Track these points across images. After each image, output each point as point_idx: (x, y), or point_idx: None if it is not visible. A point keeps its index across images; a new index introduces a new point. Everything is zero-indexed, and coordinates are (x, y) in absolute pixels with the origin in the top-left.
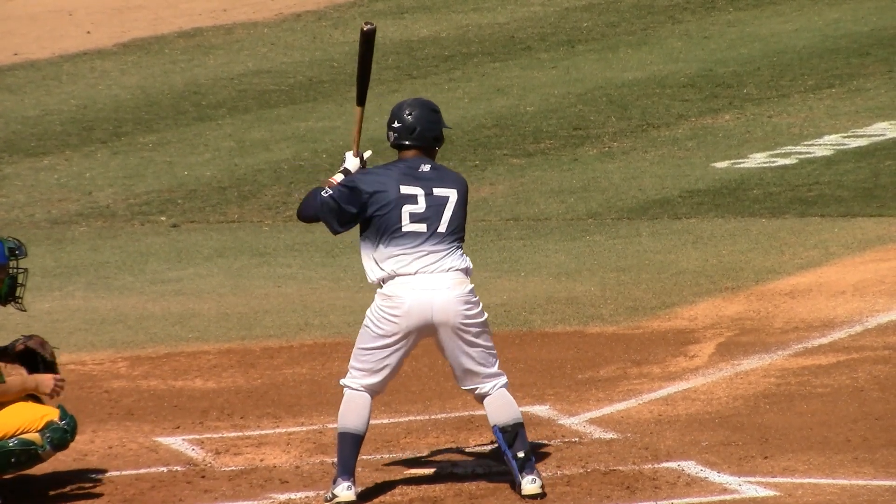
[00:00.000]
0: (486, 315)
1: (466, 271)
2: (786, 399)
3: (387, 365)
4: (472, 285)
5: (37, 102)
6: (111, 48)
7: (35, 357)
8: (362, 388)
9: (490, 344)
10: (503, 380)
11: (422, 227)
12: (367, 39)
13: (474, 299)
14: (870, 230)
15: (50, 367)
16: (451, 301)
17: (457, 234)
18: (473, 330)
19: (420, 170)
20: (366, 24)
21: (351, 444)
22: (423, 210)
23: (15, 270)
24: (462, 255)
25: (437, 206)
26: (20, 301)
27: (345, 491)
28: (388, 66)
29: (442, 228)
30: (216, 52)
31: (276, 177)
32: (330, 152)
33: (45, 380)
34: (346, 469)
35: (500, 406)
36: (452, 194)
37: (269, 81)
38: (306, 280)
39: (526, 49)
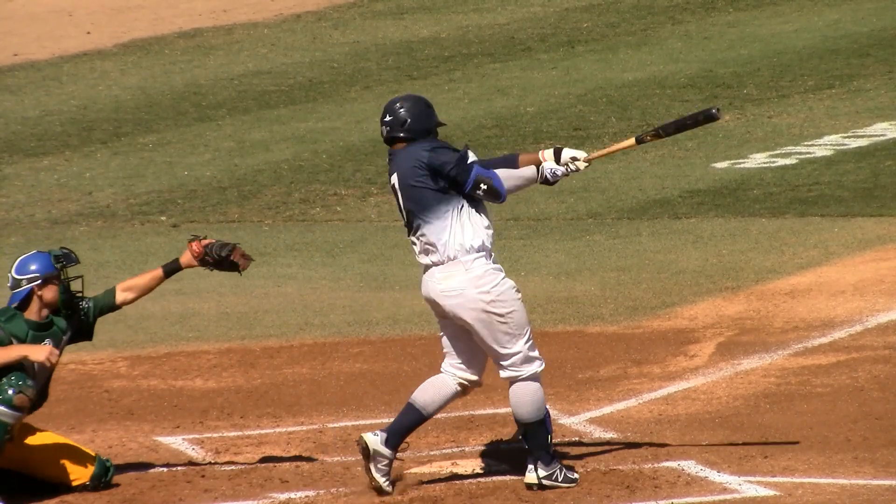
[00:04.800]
0: None
1: None
2: (786, 399)
3: None
4: None
5: (37, 102)
6: (111, 48)
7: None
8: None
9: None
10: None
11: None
12: (706, 119)
13: None
14: (870, 230)
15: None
16: None
17: None
18: None
19: None
20: (716, 110)
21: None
22: None
23: (66, 279)
24: None
25: None
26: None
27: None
28: (388, 67)
29: None
30: (216, 52)
31: (276, 177)
32: (330, 152)
33: (37, 349)
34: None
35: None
36: None
37: (269, 82)
38: (306, 280)
39: (526, 50)
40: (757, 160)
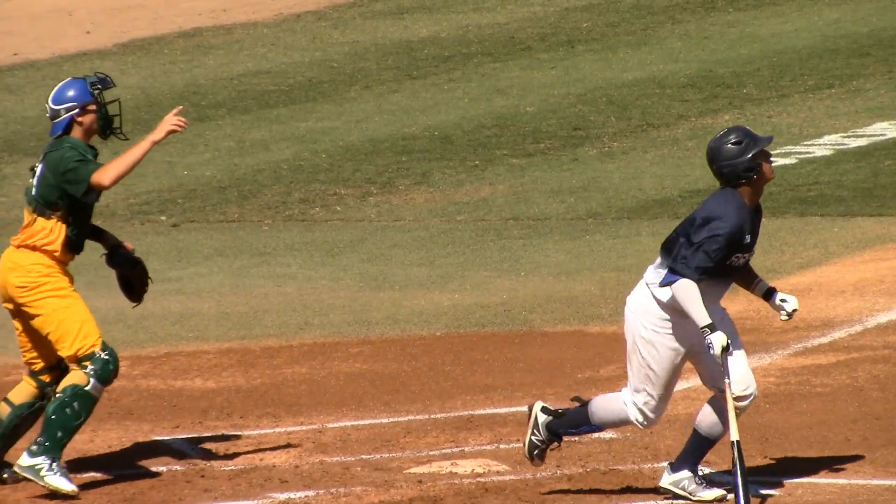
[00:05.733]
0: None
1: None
2: (786, 399)
3: None
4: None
5: (37, 102)
6: (111, 48)
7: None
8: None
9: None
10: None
11: None
12: None
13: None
14: (870, 230)
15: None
16: None
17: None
18: None
19: None
20: None
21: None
22: None
23: (104, 103)
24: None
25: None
26: (120, 131)
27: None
28: (388, 67)
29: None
30: (216, 52)
31: (275, 177)
32: (329, 152)
33: (162, 127)
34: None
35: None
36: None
37: (269, 82)
38: (306, 280)
39: (526, 49)
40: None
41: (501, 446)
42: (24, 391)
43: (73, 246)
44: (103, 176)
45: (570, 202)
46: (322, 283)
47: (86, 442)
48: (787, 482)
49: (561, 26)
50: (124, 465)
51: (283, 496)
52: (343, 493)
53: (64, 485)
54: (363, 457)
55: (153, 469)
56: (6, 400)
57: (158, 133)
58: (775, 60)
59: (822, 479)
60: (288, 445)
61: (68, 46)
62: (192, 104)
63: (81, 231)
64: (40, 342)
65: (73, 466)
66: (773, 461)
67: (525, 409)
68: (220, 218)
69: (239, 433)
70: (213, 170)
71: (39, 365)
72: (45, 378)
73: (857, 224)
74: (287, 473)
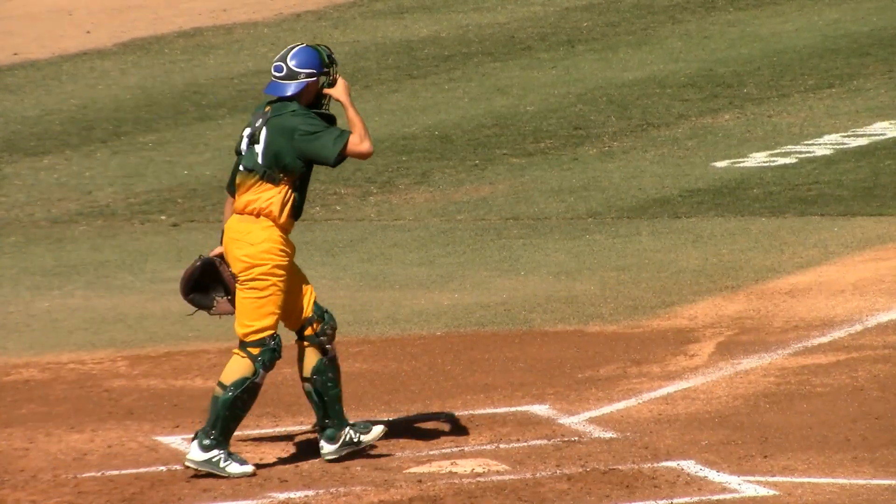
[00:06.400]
0: None
1: None
2: (785, 398)
3: None
4: None
5: (37, 102)
6: (111, 48)
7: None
8: None
9: None
10: None
11: None
12: None
13: None
14: (870, 229)
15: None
16: None
17: None
18: None
19: None
20: None
21: None
22: None
23: (330, 79)
24: None
25: None
26: (326, 109)
27: None
28: (388, 66)
29: None
30: (216, 51)
31: None
32: None
33: (340, 85)
34: None
35: None
36: None
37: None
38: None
39: (526, 49)
40: (757, 159)
41: (501, 446)
42: (308, 358)
43: (296, 211)
44: (364, 145)
45: (570, 202)
46: (322, 282)
47: (86, 442)
48: (787, 482)
49: (561, 26)
50: (124, 464)
51: (282, 496)
52: (343, 492)
53: (244, 469)
54: (363, 456)
55: (153, 469)
56: (302, 378)
57: (345, 95)
58: (775, 60)
59: (821, 479)
60: (288, 445)
61: (68, 46)
62: (193, 104)
63: (304, 195)
64: (292, 306)
65: (74, 466)
66: (772, 461)
67: (525, 408)
68: (220, 218)
69: (239, 433)
70: (214, 169)
71: (298, 325)
72: (310, 332)
73: (857, 224)
74: (287, 473)
